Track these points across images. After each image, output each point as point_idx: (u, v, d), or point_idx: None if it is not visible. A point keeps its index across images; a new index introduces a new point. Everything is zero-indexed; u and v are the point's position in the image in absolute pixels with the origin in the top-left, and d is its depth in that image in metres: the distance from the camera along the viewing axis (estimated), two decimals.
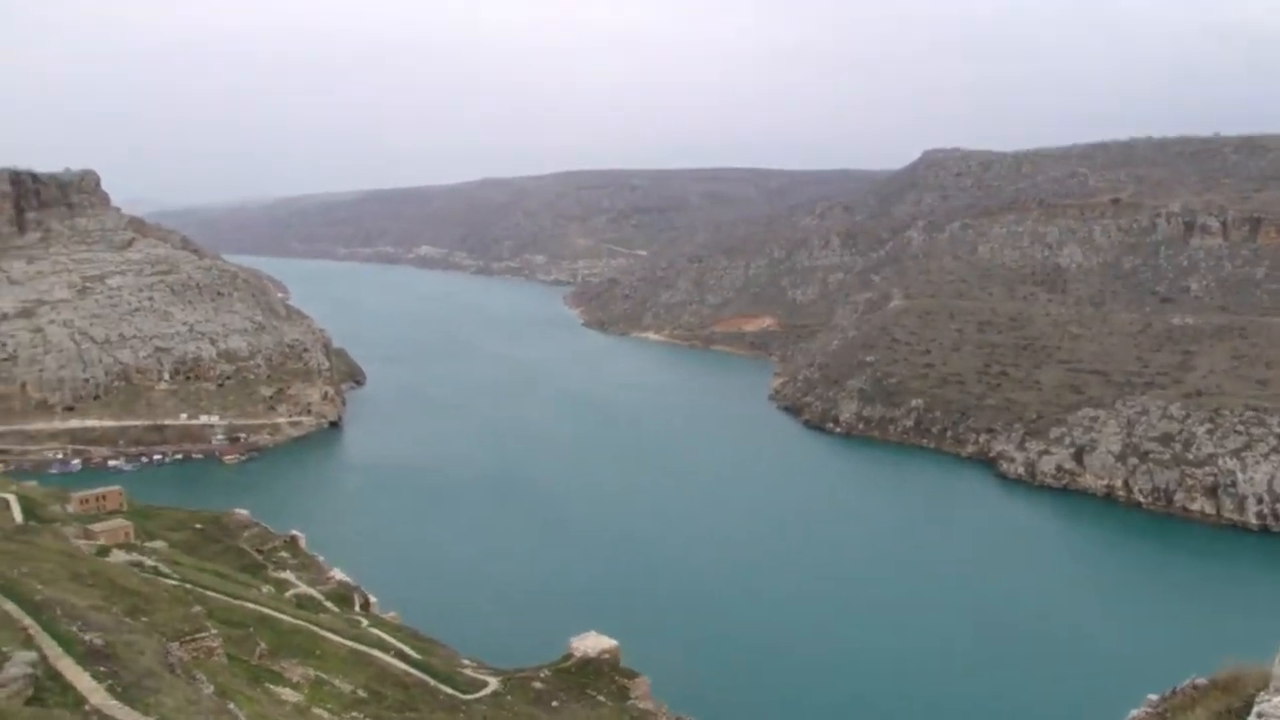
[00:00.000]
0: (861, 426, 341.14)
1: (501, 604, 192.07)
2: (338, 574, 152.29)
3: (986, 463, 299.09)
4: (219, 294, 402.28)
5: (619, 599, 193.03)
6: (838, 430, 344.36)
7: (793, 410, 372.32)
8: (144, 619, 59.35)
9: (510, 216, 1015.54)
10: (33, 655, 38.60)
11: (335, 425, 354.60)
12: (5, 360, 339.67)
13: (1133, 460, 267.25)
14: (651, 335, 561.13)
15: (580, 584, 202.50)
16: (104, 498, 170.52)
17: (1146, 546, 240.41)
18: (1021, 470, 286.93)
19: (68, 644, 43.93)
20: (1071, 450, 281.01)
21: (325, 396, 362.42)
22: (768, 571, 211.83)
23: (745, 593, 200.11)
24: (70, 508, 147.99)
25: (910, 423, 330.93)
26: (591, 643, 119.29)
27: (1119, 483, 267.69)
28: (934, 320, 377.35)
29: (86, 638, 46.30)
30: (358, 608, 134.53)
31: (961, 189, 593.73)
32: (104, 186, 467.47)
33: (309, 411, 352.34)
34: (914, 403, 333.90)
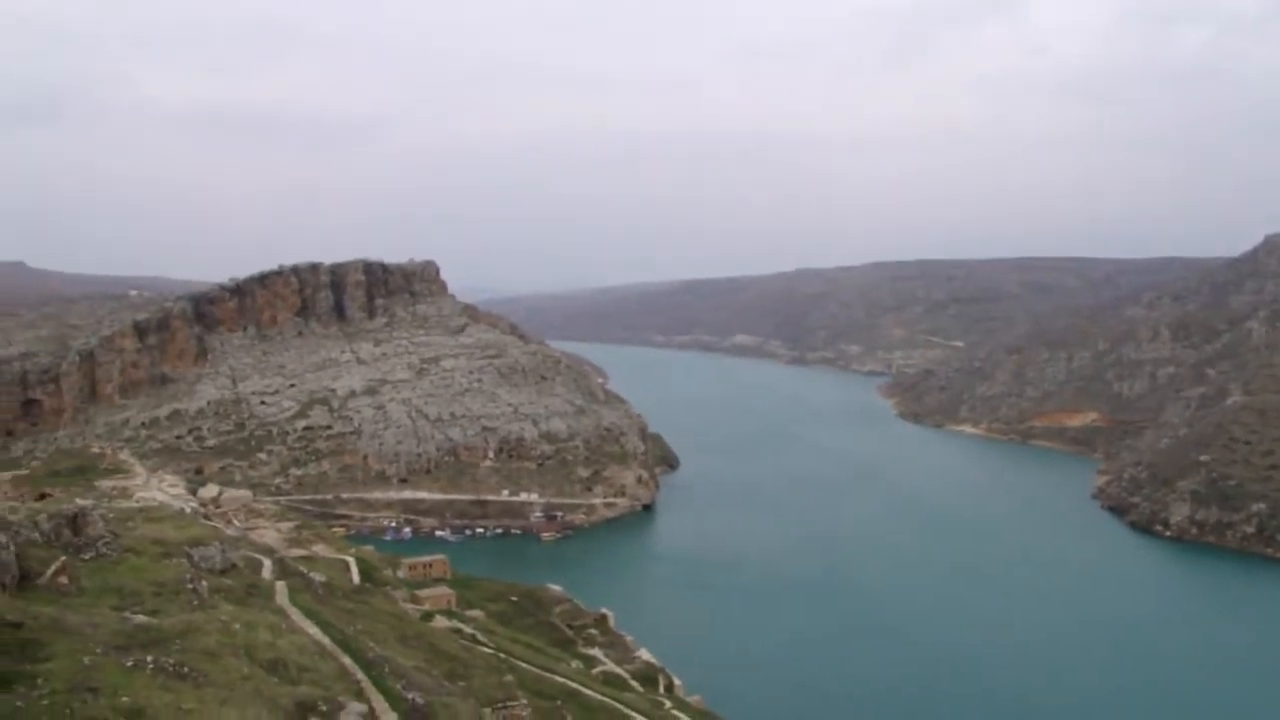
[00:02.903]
0: (1194, 531, 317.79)
1: (807, 699, 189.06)
2: (644, 654, 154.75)
3: None
4: (542, 378, 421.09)
5: (928, 705, 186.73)
6: (1167, 534, 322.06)
7: (1118, 510, 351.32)
8: (461, 683, 62.62)
9: (824, 306, 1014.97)
10: (363, 708, 41.59)
11: (648, 509, 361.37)
12: (351, 433, 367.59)
13: None
14: (968, 428, 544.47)
15: (889, 688, 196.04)
16: (430, 565, 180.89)
17: None
18: None
19: (393, 700, 47.10)
20: None
21: (640, 480, 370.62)
22: (1096, 692, 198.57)
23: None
24: (401, 573, 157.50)
25: (1251, 529, 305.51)
26: None
27: None
28: (1278, 419, 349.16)
29: (410, 696, 49.50)
30: (662, 689, 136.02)
31: None
32: (442, 275, 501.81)
33: (623, 494, 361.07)
34: (1255, 507, 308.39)
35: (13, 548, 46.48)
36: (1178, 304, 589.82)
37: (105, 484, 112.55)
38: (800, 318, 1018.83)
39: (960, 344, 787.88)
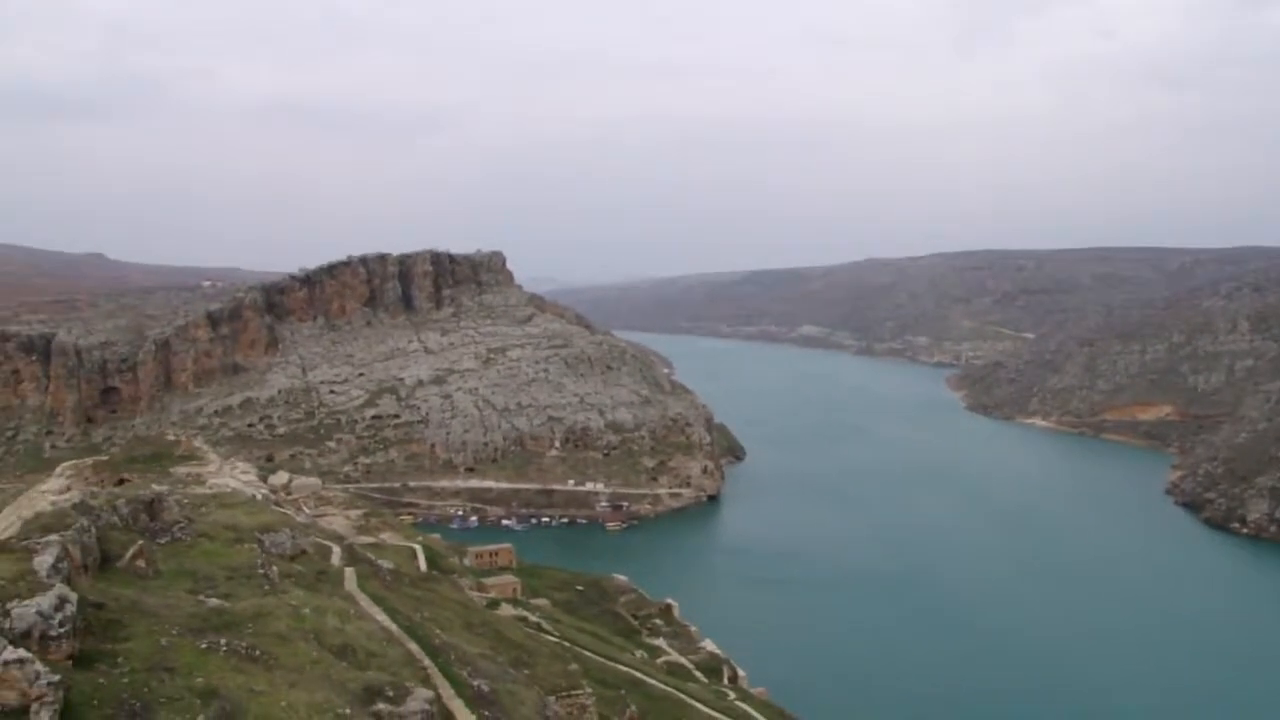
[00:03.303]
0: (1273, 529, 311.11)
1: (873, 695, 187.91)
2: (708, 645, 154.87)
3: None
4: (608, 368, 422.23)
5: (995, 702, 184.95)
6: (1244, 531, 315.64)
7: (1192, 507, 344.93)
8: (525, 671, 63.17)
9: (892, 297, 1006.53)
10: (429, 694, 42.18)
11: (714, 499, 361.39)
12: (419, 423, 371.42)
13: None
14: (1037, 421, 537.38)
15: (958, 685, 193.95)
16: (496, 554, 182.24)
17: None
18: None
19: (459, 686, 47.75)
20: None
21: (705, 470, 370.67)
22: (1168, 693, 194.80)
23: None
24: (467, 561, 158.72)
25: None
26: None
27: None
28: None
29: (475, 683, 50.11)
30: (726, 680, 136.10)
31: None
32: (509, 266, 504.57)
33: (689, 484, 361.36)
34: None
35: (94, 531, 47.73)
36: (1258, 295, 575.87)
37: (180, 470, 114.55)
38: (868, 308, 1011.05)
39: (1030, 336, 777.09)
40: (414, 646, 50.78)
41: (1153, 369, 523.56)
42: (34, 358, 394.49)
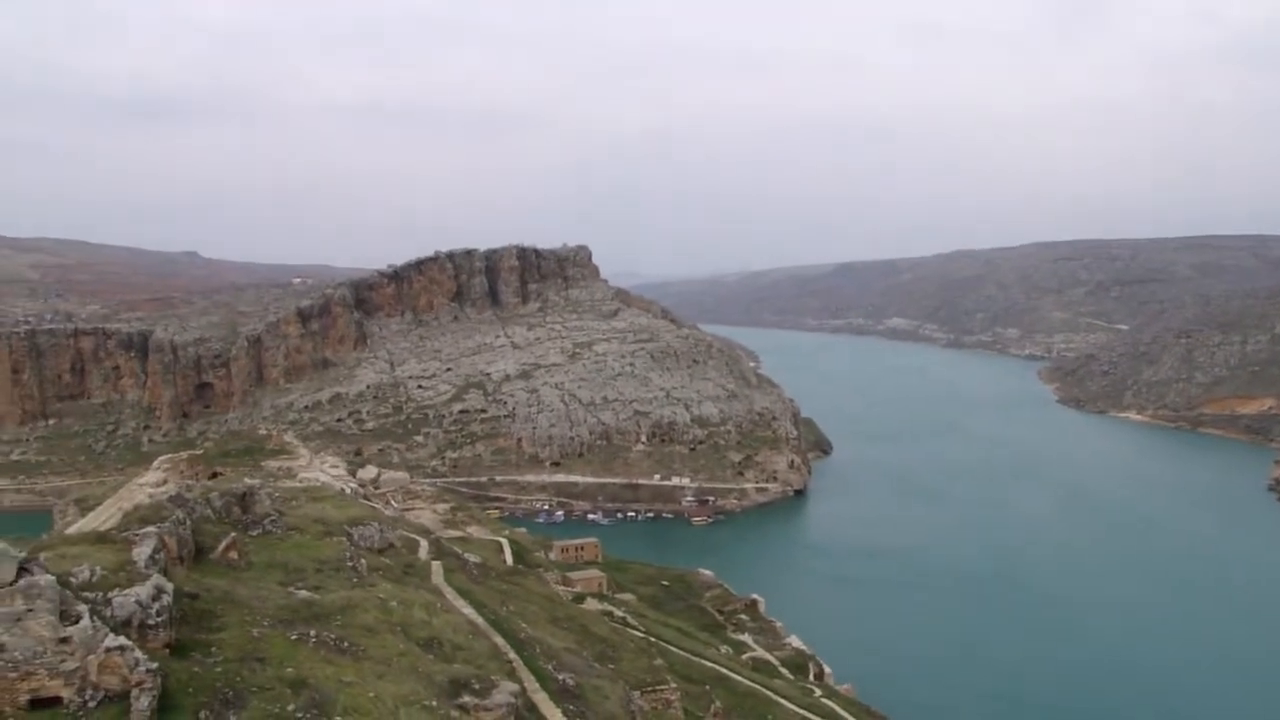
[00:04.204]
0: None
1: (964, 697, 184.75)
2: (794, 641, 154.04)
3: None
4: (694, 361, 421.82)
5: (1089, 707, 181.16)
6: None
7: None
8: (610, 666, 63.25)
9: (982, 289, 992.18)
10: (515, 687, 42.41)
11: (800, 494, 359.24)
12: (505, 417, 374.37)
13: None
14: (1132, 415, 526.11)
15: (1053, 689, 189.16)
16: (582, 548, 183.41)
17: None
18: None
19: (544, 680, 47.96)
20: None
21: (792, 465, 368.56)
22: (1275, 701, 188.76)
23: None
24: (553, 555, 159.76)
25: None
26: None
27: None
28: None
29: (560, 677, 50.27)
30: (811, 677, 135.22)
31: None
32: (594, 260, 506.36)
33: (775, 479, 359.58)
34: None
35: (189, 523, 48.74)
36: None
37: (271, 464, 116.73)
38: (957, 300, 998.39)
39: (1124, 327, 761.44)
40: (500, 640, 51.10)
41: (1254, 360, 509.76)
42: (133, 354, 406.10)
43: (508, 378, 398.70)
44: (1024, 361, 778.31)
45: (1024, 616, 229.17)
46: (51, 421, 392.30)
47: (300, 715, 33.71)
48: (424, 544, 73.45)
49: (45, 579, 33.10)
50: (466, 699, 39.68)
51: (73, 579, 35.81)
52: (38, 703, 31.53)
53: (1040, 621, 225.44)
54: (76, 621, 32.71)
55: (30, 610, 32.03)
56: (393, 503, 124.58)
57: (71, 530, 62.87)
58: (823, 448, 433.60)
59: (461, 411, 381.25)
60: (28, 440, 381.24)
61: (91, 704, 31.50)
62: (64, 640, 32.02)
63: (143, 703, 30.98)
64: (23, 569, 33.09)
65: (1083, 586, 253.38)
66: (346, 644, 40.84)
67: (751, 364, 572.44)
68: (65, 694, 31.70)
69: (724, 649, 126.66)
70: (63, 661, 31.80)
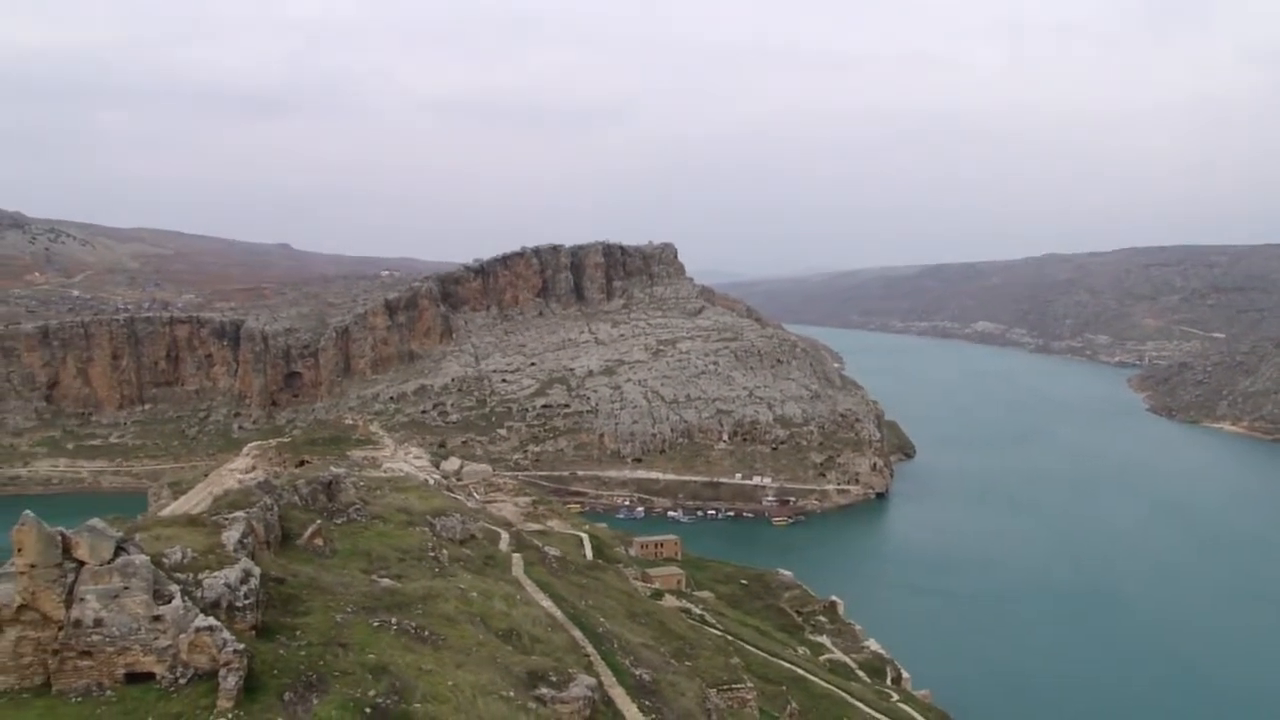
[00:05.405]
0: None
1: (1045, 712, 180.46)
2: (872, 644, 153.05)
3: None
4: (778, 361, 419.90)
5: None
6: None
7: None
8: (688, 663, 63.39)
9: (1073, 294, 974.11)
10: (592, 681, 42.72)
11: (882, 497, 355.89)
12: (588, 412, 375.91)
13: None
14: (1226, 426, 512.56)
15: (1135, 711, 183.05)
16: (661, 545, 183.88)
17: None
18: None
19: (621, 675, 48.19)
20: None
21: (874, 468, 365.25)
22: None
23: None
24: (632, 551, 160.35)
25: None
26: None
27: None
28: None
29: (637, 672, 50.48)
30: (889, 680, 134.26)
31: None
32: (680, 257, 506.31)
33: (857, 481, 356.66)
34: None
35: (276, 510, 49.84)
36: None
37: (357, 454, 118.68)
38: (1046, 305, 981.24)
39: (1220, 335, 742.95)
40: (578, 633, 51.46)
41: None
42: (225, 343, 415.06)
43: (591, 373, 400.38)
44: (1114, 369, 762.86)
45: (1111, 634, 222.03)
46: (147, 406, 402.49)
47: (380, 701, 34.31)
48: (505, 536, 74.17)
49: (140, 559, 34.14)
50: (544, 691, 40.07)
51: (165, 560, 36.86)
52: (133, 677, 32.65)
53: (1127, 640, 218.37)
54: (169, 601, 33.71)
55: (126, 588, 33.09)
56: (475, 495, 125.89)
57: (165, 513, 64.56)
58: (906, 451, 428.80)
59: (544, 406, 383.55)
60: (125, 424, 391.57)
61: (182, 681, 32.48)
62: (157, 618, 33.04)
63: (230, 682, 31.81)
64: (120, 548, 34.17)
65: (1174, 606, 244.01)
66: (427, 632, 41.45)
67: (836, 365, 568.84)
68: (158, 670, 32.70)
69: (801, 650, 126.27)
70: (156, 639, 32.79)
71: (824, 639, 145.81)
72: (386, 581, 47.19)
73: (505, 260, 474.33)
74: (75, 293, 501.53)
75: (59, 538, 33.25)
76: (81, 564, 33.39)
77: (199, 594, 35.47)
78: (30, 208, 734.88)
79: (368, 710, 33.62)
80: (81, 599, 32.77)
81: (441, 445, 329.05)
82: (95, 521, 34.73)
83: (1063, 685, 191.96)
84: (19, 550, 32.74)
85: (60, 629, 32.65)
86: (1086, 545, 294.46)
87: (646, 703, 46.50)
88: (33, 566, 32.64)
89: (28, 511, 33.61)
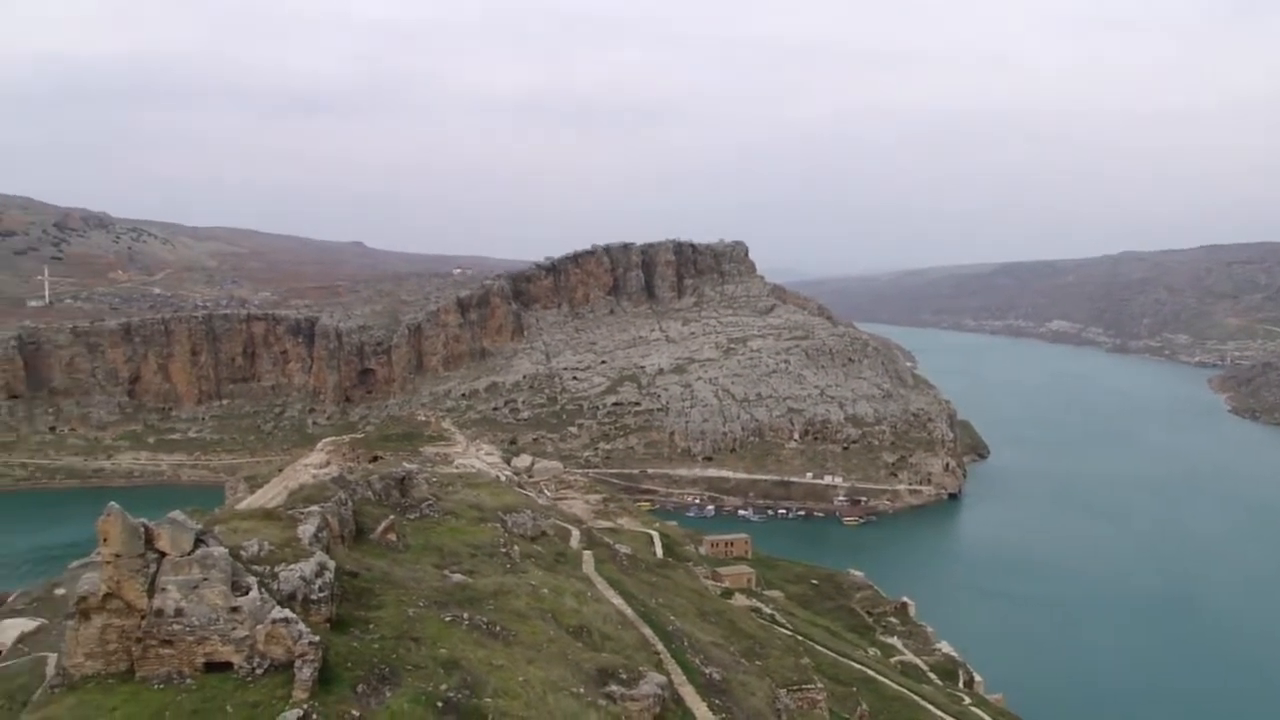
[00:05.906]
0: None
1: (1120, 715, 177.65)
2: (944, 646, 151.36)
3: None
4: (850, 360, 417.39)
5: None
6: None
7: None
8: (758, 662, 63.20)
9: (1150, 292, 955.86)
10: (662, 679, 42.73)
11: (954, 498, 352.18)
12: (659, 410, 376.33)
13: None
14: None
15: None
16: (732, 544, 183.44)
17: None
18: None
19: (691, 673, 48.19)
20: None
21: (947, 468, 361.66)
22: None
23: None
24: (702, 549, 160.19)
25: None
26: None
27: None
28: None
29: (707, 671, 50.46)
30: (961, 684, 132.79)
31: None
32: (751, 256, 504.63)
33: (929, 481, 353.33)
34: None
35: (350, 504, 50.50)
36: None
37: (429, 450, 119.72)
38: (1123, 304, 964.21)
39: None
40: (648, 631, 51.51)
41: None
42: (300, 339, 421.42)
43: (661, 371, 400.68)
44: (1194, 369, 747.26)
45: (1195, 644, 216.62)
46: (224, 402, 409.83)
47: (452, 695, 34.64)
48: (575, 533, 74.49)
49: (219, 550, 34.79)
50: (614, 688, 40.18)
51: (243, 552, 37.52)
52: (212, 666, 33.32)
53: (1213, 650, 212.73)
54: (246, 593, 34.33)
55: (206, 579, 33.75)
56: (546, 492, 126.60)
57: (242, 506, 65.65)
58: (979, 451, 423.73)
59: (615, 404, 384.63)
60: (203, 419, 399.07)
61: (259, 671, 33.06)
62: (235, 609, 33.66)
63: (305, 673, 32.30)
64: (199, 540, 34.85)
65: (1260, 617, 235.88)
66: (498, 628, 41.77)
67: (908, 364, 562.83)
68: (235, 660, 33.32)
69: (872, 651, 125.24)
70: (234, 629, 33.41)
71: (895, 640, 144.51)
72: (458, 577, 47.60)
73: (576, 258, 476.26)
74: (156, 290, 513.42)
75: (142, 529, 34.01)
76: (163, 555, 34.11)
77: (275, 586, 36.07)
78: (114, 208, 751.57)
79: (439, 704, 33.96)
80: (163, 589, 33.49)
81: (513, 442, 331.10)
82: (176, 514, 35.43)
83: (1140, 696, 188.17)
84: (104, 540, 33.55)
85: (143, 618, 33.40)
86: (1167, 551, 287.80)
87: (716, 701, 46.46)
88: (117, 556, 33.42)
89: (113, 503, 34.42)
